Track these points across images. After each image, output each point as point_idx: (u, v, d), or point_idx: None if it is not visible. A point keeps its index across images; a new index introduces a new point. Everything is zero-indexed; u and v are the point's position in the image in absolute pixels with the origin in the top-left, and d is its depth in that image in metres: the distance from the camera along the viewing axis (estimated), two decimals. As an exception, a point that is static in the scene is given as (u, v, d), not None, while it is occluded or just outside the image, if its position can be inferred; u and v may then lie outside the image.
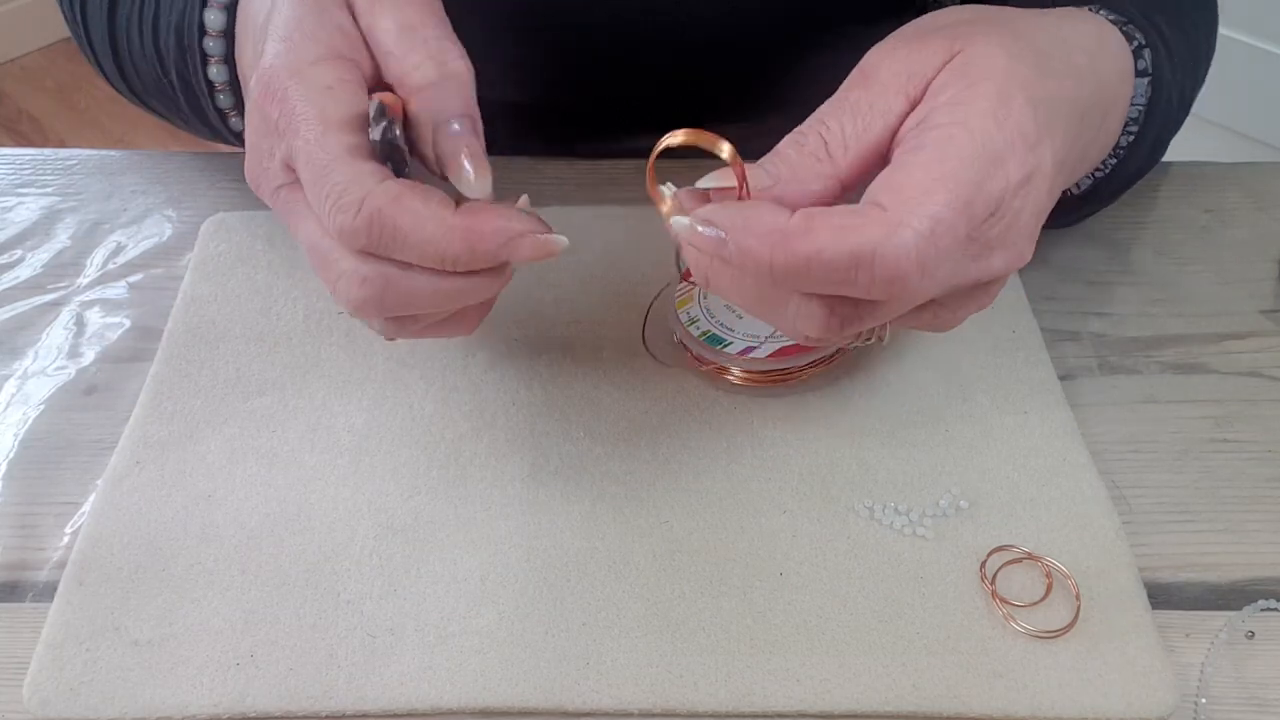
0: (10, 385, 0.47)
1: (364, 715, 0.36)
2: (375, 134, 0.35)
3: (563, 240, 0.35)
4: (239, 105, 0.48)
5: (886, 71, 0.35)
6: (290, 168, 0.35)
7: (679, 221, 0.34)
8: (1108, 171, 0.46)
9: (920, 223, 0.31)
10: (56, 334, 0.49)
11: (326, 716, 0.36)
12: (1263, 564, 0.40)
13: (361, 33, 0.38)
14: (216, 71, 0.46)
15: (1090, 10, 0.43)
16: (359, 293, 0.35)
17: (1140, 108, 0.44)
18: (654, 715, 0.36)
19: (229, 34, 0.45)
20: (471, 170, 0.35)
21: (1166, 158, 0.59)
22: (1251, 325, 0.49)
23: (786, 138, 0.35)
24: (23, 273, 0.52)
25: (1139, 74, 0.43)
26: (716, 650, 0.37)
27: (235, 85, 0.47)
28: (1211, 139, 1.13)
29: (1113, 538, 0.40)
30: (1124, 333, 0.49)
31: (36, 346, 0.48)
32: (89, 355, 0.48)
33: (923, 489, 0.42)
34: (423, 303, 0.36)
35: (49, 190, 0.56)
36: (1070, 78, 0.37)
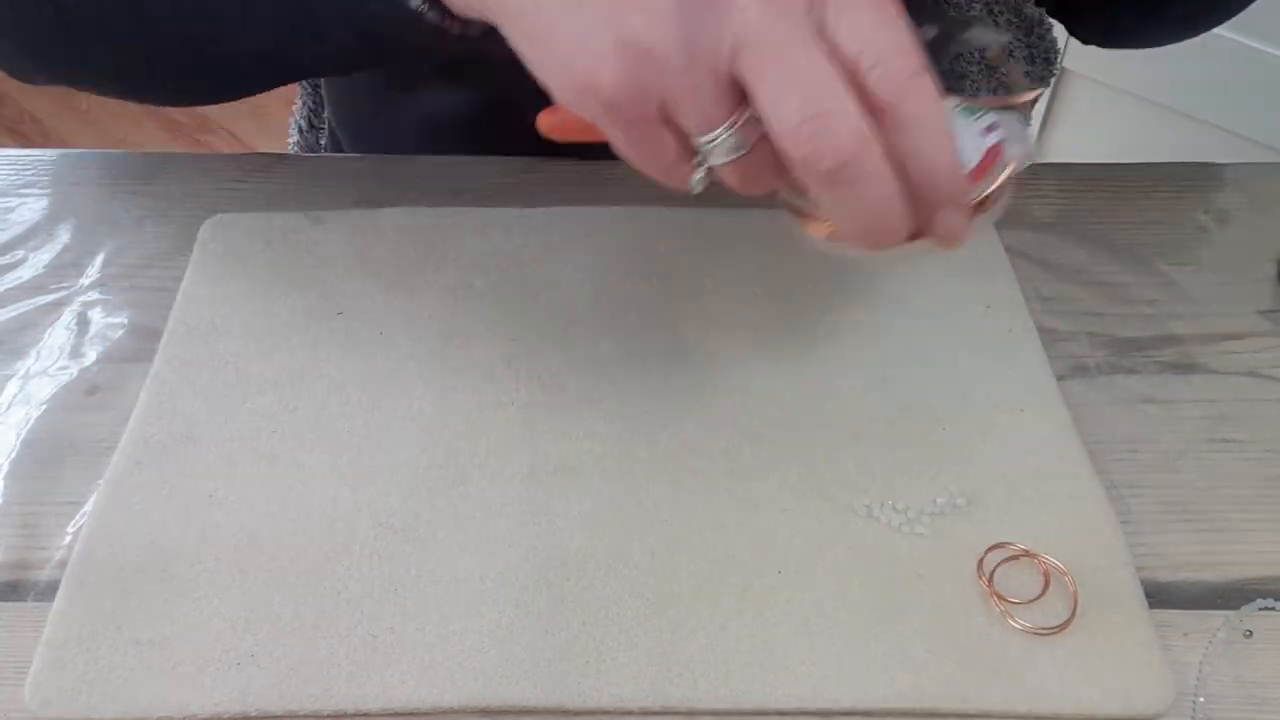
0: (13, 385, 0.47)
1: (365, 714, 0.36)
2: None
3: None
4: None
5: None
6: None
7: None
8: None
9: None
10: (58, 334, 0.49)
11: (327, 716, 0.36)
12: (1261, 563, 0.41)
13: None
14: None
15: None
16: (847, 144, 0.30)
17: None
18: (653, 713, 0.36)
19: None
20: None
21: (1165, 158, 0.59)
22: (1249, 325, 0.50)
23: None
24: (25, 273, 0.52)
25: None
26: (716, 648, 0.37)
27: None
28: (1210, 140, 1.14)
29: (1109, 535, 0.40)
30: (1122, 332, 0.49)
31: (39, 347, 0.49)
32: (91, 355, 0.48)
33: (920, 487, 0.42)
34: (865, 189, 0.32)
35: (51, 191, 0.57)
36: None
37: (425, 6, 0.38)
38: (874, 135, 0.31)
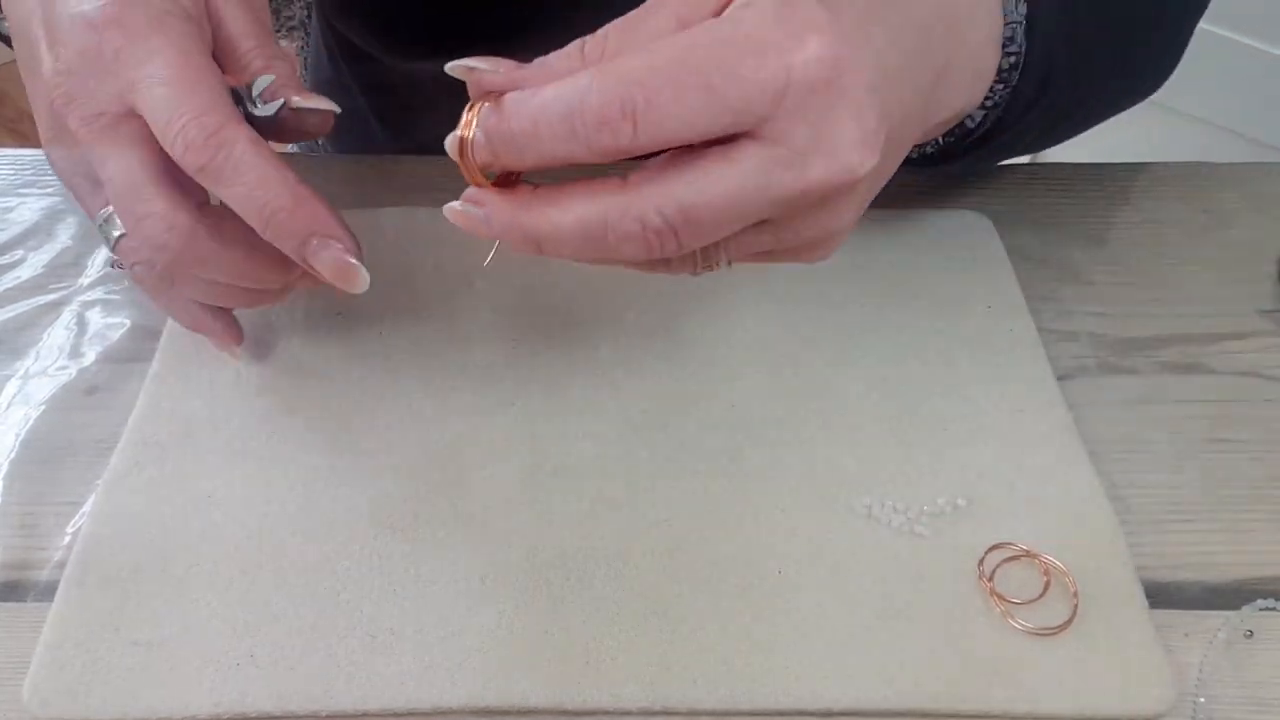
0: (12, 385, 0.47)
1: (364, 714, 0.36)
2: (268, 110, 0.38)
3: (364, 280, 0.37)
4: None
5: None
6: (125, 99, 0.35)
7: (450, 209, 0.34)
8: (1000, 103, 0.43)
9: (606, 75, 0.29)
10: (58, 334, 0.49)
11: (327, 716, 0.36)
12: (1261, 563, 0.41)
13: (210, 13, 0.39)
14: None
15: None
16: (163, 237, 0.36)
17: (1016, 25, 0.40)
18: (653, 713, 0.36)
19: None
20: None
21: (1165, 158, 0.59)
22: (1249, 325, 0.50)
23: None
24: (24, 273, 0.52)
25: None
26: (715, 648, 0.37)
27: None
28: (1210, 139, 1.14)
29: (1109, 535, 0.40)
30: (1122, 333, 0.49)
31: (38, 347, 0.48)
32: (90, 355, 0.48)
33: (920, 487, 0.42)
34: (214, 267, 0.37)
35: (50, 190, 0.57)
36: None
37: None
38: (187, 232, 0.36)
